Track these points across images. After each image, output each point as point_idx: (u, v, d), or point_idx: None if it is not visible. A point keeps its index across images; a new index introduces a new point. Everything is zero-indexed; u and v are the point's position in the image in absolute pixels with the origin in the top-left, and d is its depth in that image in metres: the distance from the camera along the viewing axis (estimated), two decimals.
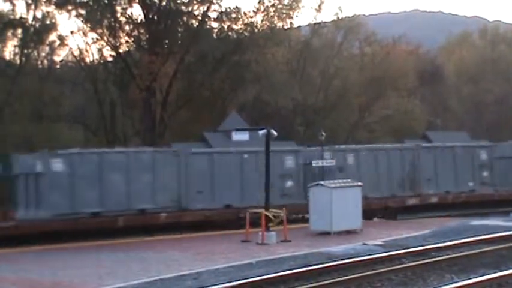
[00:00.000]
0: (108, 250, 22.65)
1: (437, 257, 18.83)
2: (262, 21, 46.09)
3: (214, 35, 44.72)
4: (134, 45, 44.31)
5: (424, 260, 18.27)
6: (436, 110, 59.91)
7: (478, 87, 64.46)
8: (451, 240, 21.87)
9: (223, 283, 15.14)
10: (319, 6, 51.38)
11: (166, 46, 43.24)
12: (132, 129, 46.29)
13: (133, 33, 43.74)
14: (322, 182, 26.24)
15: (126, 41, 44.32)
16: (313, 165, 29.92)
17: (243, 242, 23.26)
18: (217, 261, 19.03)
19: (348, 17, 55.88)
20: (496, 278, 15.46)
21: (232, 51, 43.71)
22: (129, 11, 43.30)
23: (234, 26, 44.94)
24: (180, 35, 44.38)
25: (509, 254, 19.59)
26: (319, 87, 51.38)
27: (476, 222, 28.23)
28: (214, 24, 44.83)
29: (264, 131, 24.70)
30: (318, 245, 22.08)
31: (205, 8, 43.34)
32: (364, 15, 66.56)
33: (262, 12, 45.86)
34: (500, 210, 33.77)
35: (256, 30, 45.50)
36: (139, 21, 43.35)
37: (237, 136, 30.21)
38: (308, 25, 53.78)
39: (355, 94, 52.77)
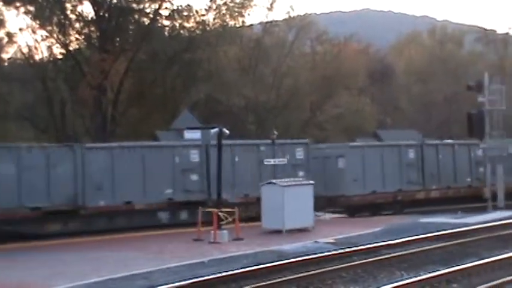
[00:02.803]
0: (58, 250, 22.33)
1: (388, 254, 19.07)
2: (214, 19, 46.04)
3: (166, 33, 44.47)
4: (85, 43, 43.79)
5: (374, 257, 18.48)
6: (387, 109, 60.54)
7: (427, 86, 65.30)
8: (401, 238, 22.14)
9: (174, 282, 15.07)
10: (271, 4, 51.56)
11: (117, 44, 42.86)
12: (82, 128, 45.72)
13: (84, 31, 43.21)
14: (274, 181, 26.30)
15: (77, 39, 43.78)
16: (265, 163, 29.96)
17: (195, 241, 23.18)
18: (168, 260, 18.93)
19: (300, 16, 56.12)
20: (445, 274, 15.72)
21: (184, 50, 43.49)
22: (79, 8, 42.85)
23: (186, 24, 44.75)
24: (131, 32, 44.03)
25: (457, 251, 19.94)
26: (271, 85, 51.47)
27: (426, 219, 28.66)
28: (166, 22, 44.61)
29: (216, 129, 24.66)
30: (270, 243, 22.12)
31: (157, 6, 43.07)
32: (315, 14, 66.94)
33: (214, 10, 45.80)
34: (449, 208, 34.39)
35: (208, 29, 45.39)
36: (89, 18, 42.87)
37: (189, 134, 30.02)
38: (260, 23, 53.85)
39: (307, 92, 53.00)
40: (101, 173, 26.47)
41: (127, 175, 26.91)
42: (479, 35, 72.64)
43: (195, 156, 28.90)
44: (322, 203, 30.04)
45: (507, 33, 70.77)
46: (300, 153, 31.21)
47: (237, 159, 29.58)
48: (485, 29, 74.03)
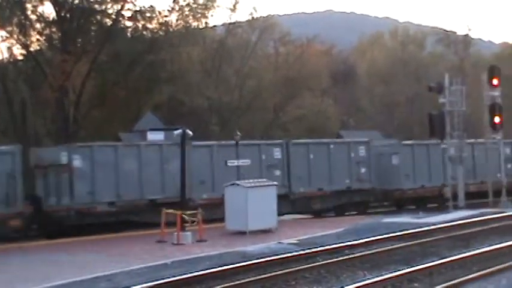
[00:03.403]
0: (18, 253, 22.08)
1: (351, 254, 19.18)
2: (177, 20, 45.97)
3: (129, 34, 44.25)
4: (46, 44, 43.34)
5: (337, 257, 18.58)
6: (349, 110, 61.00)
7: (389, 87, 65.96)
8: (364, 238, 22.31)
9: (137, 284, 15.01)
10: (234, 6, 51.61)
11: (79, 45, 42.50)
12: (44, 129, 45.25)
13: (45, 32, 42.79)
14: (237, 182, 26.33)
15: (38, 40, 43.32)
16: (229, 164, 29.98)
17: (158, 243, 23.08)
18: (131, 262, 18.82)
19: (263, 17, 56.33)
20: (407, 273, 15.88)
21: (146, 51, 43.31)
22: (40, 9, 42.41)
23: (149, 25, 44.58)
24: (93, 33, 43.70)
25: (419, 250, 20.15)
26: (235, 86, 51.54)
27: (388, 219, 28.91)
28: (129, 23, 44.39)
29: (180, 130, 24.63)
30: (233, 244, 22.13)
31: (119, 7, 42.82)
32: (278, 15, 67.35)
33: (177, 11, 45.71)
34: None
35: (171, 30, 45.29)
36: (50, 19, 42.44)
37: (152, 136, 29.97)
38: (223, 25, 53.86)
39: (270, 94, 53.14)
40: (203, 169, 29.08)
41: (222, 171, 29.50)
42: (440, 36, 73.59)
43: (277, 153, 31.47)
44: (378, 196, 33.69)
45: (467, 35, 71.84)
46: (362, 151, 33.78)
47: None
48: (446, 31, 74.97)
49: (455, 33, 72.72)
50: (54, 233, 25.82)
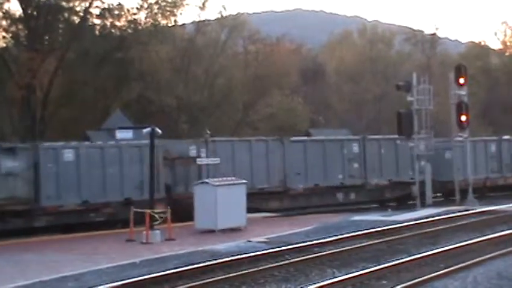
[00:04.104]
0: None
1: (320, 252, 19.25)
2: (145, 18, 45.74)
3: (97, 32, 43.93)
4: (12, 41, 42.86)
5: (306, 255, 18.64)
6: (318, 108, 61.10)
7: (357, 86, 66.26)
8: (332, 236, 22.41)
9: (105, 284, 14.92)
10: (203, 4, 51.35)
11: (46, 43, 42.12)
12: (10, 128, 44.70)
13: (11, 29, 42.32)
14: (207, 180, 26.31)
15: (4, 37, 42.85)
16: (198, 162, 29.92)
17: (127, 242, 22.97)
18: (99, 261, 18.70)
19: (232, 15, 56.15)
20: (376, 271, 15.98)
21: (115, 49, 43.05)
22: (6, 6, 41.94)
23: (117, 23, 44.35)
24: (60, 31, 43.32)
25: (387, 248, 20.29)
26: (204, 85, 51.38)
27: (357, 217, 29.07)
28: (97, 21, 44.12)
29: (149, 129, 24.51)
30: (202, 243, 22.10)
31: (87, 4, 42.54)
32: (247, 13, 67.14)
33: (146, 9, 45.48)
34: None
35: (140, 28, 45.05)
36: (17, 16, 41.97)
37: (120, 134, 29.75)
38: (192, 23, 53.65)
39: (240, 92, 53.09)
40: (298, 162, 32.82)
41: (314, 163, 33.41)
42: (408, 35, 74.11)
43: (355, 148, 34.95)
44: (436, 187, 36.38)
45: (434, 34, 72.45)
46: (422, 147, 35.96)
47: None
48: (414, 30, 75.53)
49: (423, 32, 73.33)
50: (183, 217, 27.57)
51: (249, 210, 28.87)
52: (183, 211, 27.36)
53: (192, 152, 30.27)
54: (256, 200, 30.91)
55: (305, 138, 35.12)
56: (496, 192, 39.31)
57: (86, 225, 26.97)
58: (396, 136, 36.25)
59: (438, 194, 38.36)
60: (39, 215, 26.17)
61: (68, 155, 26.96)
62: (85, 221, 27.19)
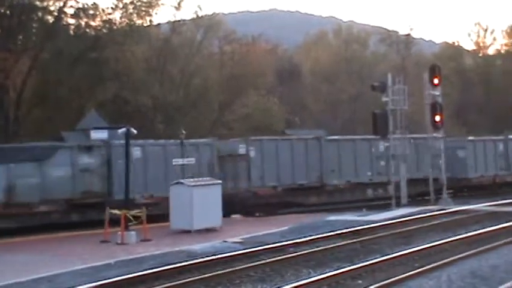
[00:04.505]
0: None
1: (295, 252, 19.31)
2: (121, 18, 45.48)
3: (71, 32, 43.61)
4: None
5: (281, 256, 18.69)
6: (294, 108, 61.25)
7: (333, 86, 66.51)
8: (307, 236, 22.48)
9: (80, 285, 14.85)
10: (179, 4, 51.37)
11: (20, 42, 41.72)
12: None
13: None
14: (182, 180, 26.25)
15: None
16: (174, 163, 29.86)
17: (102, 243, 22.87)
18: (74, 262, 18.59)
19: (208, 15, 56.11)
20: (350, 271, 16.07)
21: (90, 49, 42.76)
22: None
23: (92, 23, 44.04)
24: (34, 31, 42.94)
25: (362, 248, 20.41)
26: (180, 85, 51.30)
27: (332, 217, 29.15)
28: (71, 21, 43.78)
29: (124, 129, 24.42)
30: (178, 243, 22.07)
31: (62, 4, 42.22)
32: (223, 13, 67.10)
33: (121, 9, 45.25)
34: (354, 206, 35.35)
35: (115, 28, 44.79)
36: None
37: (95, 135, 29.58)
38: (168, 23, 53.55)
39: (215, 92, 53.07)
40: (333, 160, 34.71)
41: (346, 161, 35.19)
42: (383, 36, 74.55)
43: (381, 147, 36.53)
44: (449, 184, 37.37)
45: (409, 35, 72.95)
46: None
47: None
48: (389, 30, 75.99)
49: (398, 32, 73.81)
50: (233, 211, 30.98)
51: (290, 205, 33.42)
52: (232, 205, 30.22)
53: (241, 150, 32.42)
54: (297, 195, 33.88)
55: (338, 137, 37.05)
56: (504, 189, 41.22)
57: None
58: (419, 136, 38.59)
59: (450, 191, 39.24)
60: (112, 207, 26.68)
61: (136, 152, 28.78)
62: (152, 214, 27.26)
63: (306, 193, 34.17)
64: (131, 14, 45.52)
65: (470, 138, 41.97)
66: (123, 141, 27.28)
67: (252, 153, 32.36)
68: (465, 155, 40.36)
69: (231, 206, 29.96)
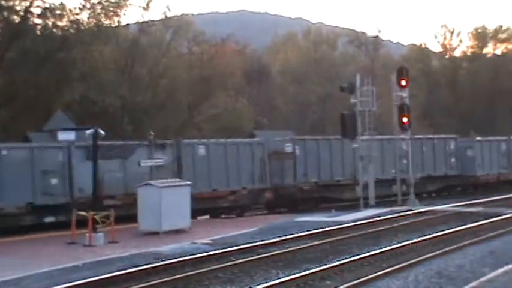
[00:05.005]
0: None
1: (264, 253, 19.33)
2: (88, 18, 45.04)
3: (38, 32, 43.12)
4: None
5: (251, 257, 18.70)
6: (263, 109, 61.36)
7: (302, 87, 66.70)
8: (277, 237, 22.51)
9: (48, 287, 14.71)
10: (147, 4, 51.04)
11: None
12: None
13: None
14: (151, 182, 26.12)
15: None
16: (142, 164, 29.71)
17: (69, 244, 22.64)
18: (41, 264, 18.37)
19: (177, 16, 55.98)
20: (319, 271, 16.12)
21: (57, 49, 42.31)
22: None
23: (59, 23, 43.53)
24: (0, 31, 42.40)
25: (331, 249, 20.49)
26: (148, 86, 51.05)
27: (301, 218, 29.25)
28: (38, 21, 43.20)
29: (91, 130, 24.24)
30: (146, 245, 21.96)
31: (28, 4, 41.69)
32: (192, 14, 67.05)
33: (89, 9, 44.81)
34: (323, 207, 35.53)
35: (82, 28, 44.38)
36: None
37: (62, 136, 29.25)
38: (136, 23, 53.26)
39: (184, 93, 52.92)
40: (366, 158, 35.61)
41: (375, 159, 35.97)
42: (351, 37, 74.99)
43: (404, 146, 37.55)
44: (459, 181, 42.52)
45: (377, 36, 73.53)
46: (452, 146, 42.46)
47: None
48: (357, 32, 76.45)
49: (366, 34, 74.31)
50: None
51: (327, 200, 35.76)
52: (279, 199, 34.01)
53: (288, 149, 34.72)
54: (335, 191, 36.13)
55: (368, 137, 37.37)
56: (507, 186, 43.67)
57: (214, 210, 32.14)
58: (432, 136, 42.96)
59: (459, 188, 43.86)
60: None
61: (201, 150, 31.75)
62: (215, 207, 32.07)
63: (341, 189, 36.27)
64: (99, 14, 45.14)
65: (478, 138, 45.25)
66: (191, 140, 33.25)
67: (298, 152, 34.70)
68: (473, 154, 43.32)
69: (279, 200, 34.22)
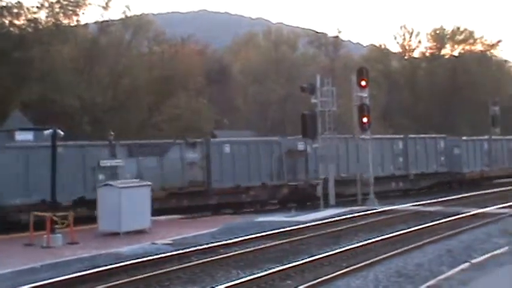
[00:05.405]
0: None
1: (225, 253, 19.34)
2: (46, 17, 44.56)
3: None
4: None
5: (211, 257, 18.70)
6: (224, 109, 61.28)
7: (262, 87, 66.76)
8: (237, 237, 22.53)
9: None
10: (107, 4, 50.61)
11: None
12: None
13: None
14: (111, 182, 25.94)
15: None
16: (101, 165, 29.48)
17: (27, 246, 22.34)
18: None
19: (137, 16, 55.58)
20: (280, 271, 16.19)
21: (14, 48, 41.76)
22: None
23: (16, 22, 43.01)
24: None
25: (291, 249, 20.57)
26: (108, 85, 50.62)
27: (262, 218, 29.30)
28: None
29: (50, 130, 23.98)
30: (106, 246, 21.78)
31: None
32: (152, 14, 66.67)
33: (47, 8, 44.34)
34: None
35: (40, 27, 43.87)
36: None
37: (20, 136, 28.92)
38: (96, 23, 52.76)
39: (145, 93, 52.56)
40: (363, 155, 37.83)
41: (375, 157, 38.58)
42: (312, 38, 75.28)
43: (400, 145, 42.19)
44: (447, 177, 45.51)
45: (337, 37, 73.89)
46: (442, 145, 45.38)
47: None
48: (317, 32, 76.75)
49: (326, 35, 74.64)
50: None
51: (338, 195, 36.18)
52: (293, 194, 35.95)
53: (301, 147, 36.38)
54: (340, 186, 36.94)
55: (374, 137, 39.87)
56: (487, 182, 48.19)
57: (238, 204, 34.17)
58: (424, 135, 45.71)
59: (448, 185, 46.56)
60: (211, 194, 33.07)
61: (226, 148, 33.93)
62: (238, 201, 34.09)
63: (346, 184, 37.69)
64: (57, 13, 44.67)
65: (464, 138, 47.99)
66: (219, 139, 36.01)
67: (309, 150, 36.41)
68: (460, 152, 46.08)
69: (293, 195, 35.95)
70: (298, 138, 36.87)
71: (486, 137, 49.64)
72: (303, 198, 36.33)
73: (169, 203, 31.32)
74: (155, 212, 27.31)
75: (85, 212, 27.45)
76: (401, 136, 43.97)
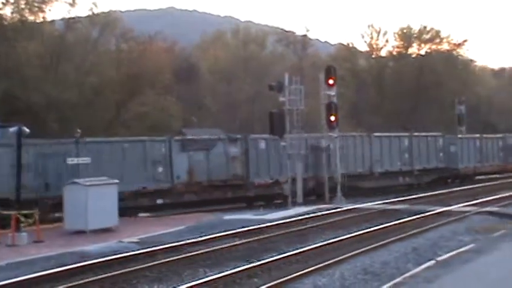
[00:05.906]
0: None
1: (192, 252, 19.29)
2: (12, 13, 44.09)
3: None
4: None
5: (178, 255, 18.65)
6: (192, 108, 61.09)
7: (231, 86, 66.69)
8: (204, 235, 22.49)
9: None
10: (74, 0, 50.20)
11: None
12: None
13: None
14: (77, 180, 25.75)
15: None
16: (69, 162, 29.24)
17: None
18: None
19: (104, 13, 55.15)
20: (247, 269, 16.21)
21: None
22: None
23: None
24: None
25: (259, 247, 20.60)
26: (74, 83, 50.16)
27: (230, 216, 29.31)
28: None
29: (15, 128, 23.73)
30: (72, 244, 21.62)
31: None
32: (120, 11, 66.26)
33: (12, 4, 43.88)
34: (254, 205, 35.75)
35: (5, 23, 43.36)
36: None
37: None
38: (62, 19, 52.27)
39: (112, 90, 52.21)
40: (375, 152, 42.53)
41: (385, 153, 43.36)
42: (280, 36, 75.38)
43: (405, 143, 45.39)
44: (444, 173, 48.59)
45: (305, 35, 74.12)
46: (440, 142, 48.83)
47: None
48: (286, 31, 76.91)
49: (294, 33, 74.81)
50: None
51: (351, 188, 38.24)
52: (318, 187, 37.95)
53: (323, 143, 38.27)
54: (357, 181, 40.36)
55: (381, 134, 44.27)
56: (479, 178, 52.03)
57: (273, 197, 36.39)
58: (426, 134, 48.16)
59: (449, 180, 49.83)
60: (250, 188, 35.70)
61: (262, 144, 36.58)
62: (272, 193, 36.25)
63: (362, 178, 41.24)
64: (23, 9, 44.22)
65: (460, 136, 51.68)
66: (257, 135, 38.32)
67: (332, 146, 37.92)
68: (456, 150, 49.38)
69: (318, 188, 37.80)
70: (321, 136, 38.31)
71: (477, 135, 53.35)
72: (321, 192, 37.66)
73: (215, 194, 34.36)
74: (201, 203, 32.33)
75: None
76: (407, 134, 47.00)
